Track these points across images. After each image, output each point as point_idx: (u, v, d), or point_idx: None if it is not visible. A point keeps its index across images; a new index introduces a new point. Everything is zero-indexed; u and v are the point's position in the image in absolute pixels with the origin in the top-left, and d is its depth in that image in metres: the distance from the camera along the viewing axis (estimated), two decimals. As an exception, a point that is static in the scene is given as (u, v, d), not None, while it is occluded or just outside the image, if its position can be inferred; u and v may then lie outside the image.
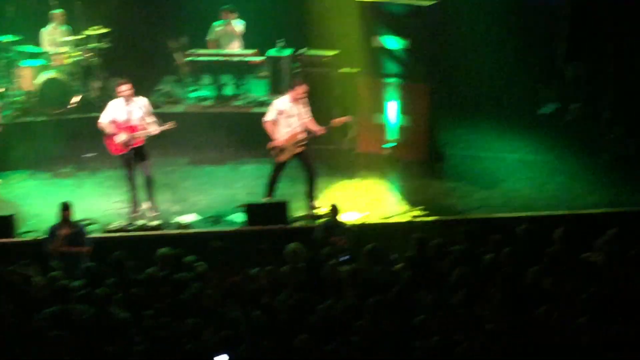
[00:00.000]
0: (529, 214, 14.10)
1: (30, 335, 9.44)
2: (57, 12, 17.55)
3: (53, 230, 12.64)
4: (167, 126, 14.06)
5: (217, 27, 18.20)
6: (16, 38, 17.28)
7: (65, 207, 12.68)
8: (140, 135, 13.98)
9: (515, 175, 15.91)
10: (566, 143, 17.12)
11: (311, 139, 14.42)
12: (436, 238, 11.32)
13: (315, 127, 14.32)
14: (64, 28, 17.67)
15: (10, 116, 16.93)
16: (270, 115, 14.33)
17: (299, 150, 14.33)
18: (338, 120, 14.53)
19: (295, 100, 14.23)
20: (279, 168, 14.47)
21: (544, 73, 18.83)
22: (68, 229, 12.54)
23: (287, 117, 14.24)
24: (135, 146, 13.98)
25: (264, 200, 14.44)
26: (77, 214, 13.32)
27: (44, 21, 17.65)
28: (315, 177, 14.51)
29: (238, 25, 18.17)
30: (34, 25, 17.63)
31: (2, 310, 9.97)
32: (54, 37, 17.59)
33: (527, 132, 17.61)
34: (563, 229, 11.19)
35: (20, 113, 17.18)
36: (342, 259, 11.30)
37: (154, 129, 14.04)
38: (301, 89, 14.23)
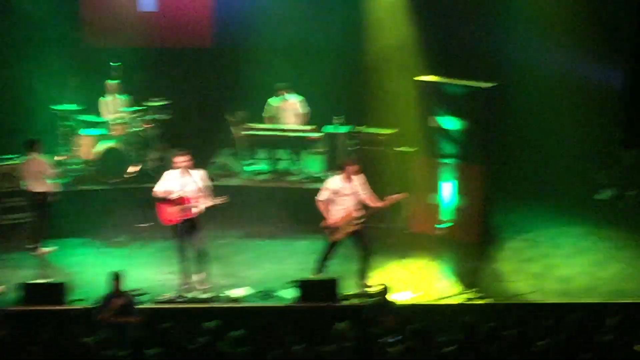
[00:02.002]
0: (582, 301, 13.90)
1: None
2: (113, 82, 17.80)
3: (103, 300, 12.62)
4: (220, 200, 14.08)
5: (273, 103, 18.32)
6: (77, 107, 17.52)
7: (116, 277, 12.66)
8: (192, 207, 14.02)
9: (569, 261, 15.69)
10: (622, 230, 16.90)
11: (366, 217, 14.38)
12: (487, 322, 11.16)
13: (373, 203, 14.28)
14: (123, 98, 17.91)
15: (67, 184, 17.12)
16: (323, 195, 14.33)
17: (353, 229, 14.29)
18: (394, 197, 14.47)
19: (348, 179, 14.22)
20: (331, 246, 14.42)
21: (601, 158, 18.68)
22: (118, 298, 12.52)
23: (341, 196, 14.23)
24: (188, 218, 14.02)
25: (314, 276, 14.38)
26: (129, 284, 13.34)
27: (104, 91, 17.89)
28: (368, 255, 14.43)
29: (294, 100, 18.26)
30: (95, 95, 17.88)
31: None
32: (113, 107, 17.84)
33: (582, 217, 17.42)
34: (617, 317, 10.99)
35: (77, 181, 17.36)
36: (392, 339, 11.15)
37: (207, 202, 14.07)
38: (352, 169, 14.22)
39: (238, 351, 10.65)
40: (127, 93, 17.99)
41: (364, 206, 14.33)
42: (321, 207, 14.31)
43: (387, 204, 14.41)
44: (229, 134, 18.29)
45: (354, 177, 14.26)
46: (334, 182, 14.35)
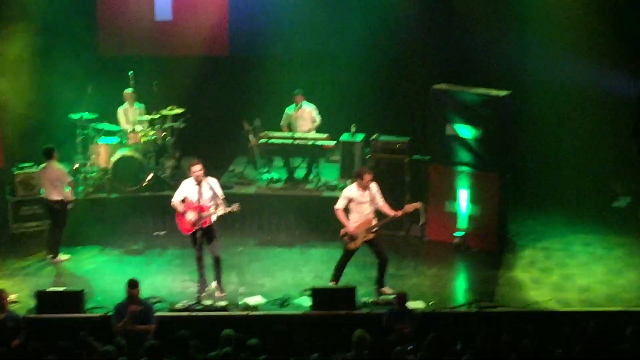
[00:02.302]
0: (600, 309, 13.87)
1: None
2: (128, 91, 17.87)
3: (120, 308, 12.59)
4: (233, 208, 14.09)
5: (290, 111, 18.33)
6: (93, 115, 17.58)
7: (133, 285, 12.60)
8: (209, 215, 14.05)
9: (586, 269, 15.64)
10: (639, 238, 16.85)
11: (383, 225, 14.39)
12: (503, 330, 11.13)
13: (390, 211, 14.28)
14: (139, 106, 17.97)
15: (84, 192, 17.18)
16: (340, 203, 14.34)
17: (370, 237, 14.29)
18: (411, 206, 14.47)
19: (364, 187, 14.23)
20: (348, 254, 14.43)
21: (617, 166, 18.62)
22: (135, 306, 12.51)
23: (358, 204, 14.25)
24: (204, 226, 14.05)
25: (331, 285, 14.39)
26: (145, 291, 13.39)
27: (121, 100, 17.95)
28: (385, 263, 14.44)
29: (308, 107, 18.28)
30: (112, 103, 17.94)
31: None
32: (130, 116, 17.90)
33: (599, 225, 17.36)
34: (635, 326, 10.95)
35: (93, 189, 17.42)
36: (409, 347, 11.13)
37: (222, 210, 14.09)
38: (368, 177, 14.23)
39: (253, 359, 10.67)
40: (143, 102, 18.04)
41: (380, 214, 14.34)
42: (339, 215, 14.32)
43: (403, 213, 14.41)
44: (245, 142, 18.33)
45: (370, 185, 14.27)
46: (351, 190, 14.36)
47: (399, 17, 18.61)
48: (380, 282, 14.44)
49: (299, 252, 16.39)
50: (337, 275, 14.46)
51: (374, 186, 14.34)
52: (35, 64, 17.93)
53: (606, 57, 18.12)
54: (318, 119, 18.20)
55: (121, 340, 11.21)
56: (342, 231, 14.26)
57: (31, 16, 17.91)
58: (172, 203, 14.23)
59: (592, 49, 18.13)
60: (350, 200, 14.26)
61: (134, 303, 12.51)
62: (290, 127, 18.24)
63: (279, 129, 18.19)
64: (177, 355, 10.76)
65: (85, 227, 16.55)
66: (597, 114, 18.39)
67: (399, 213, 14.29)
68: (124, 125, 17.81)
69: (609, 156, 18.62)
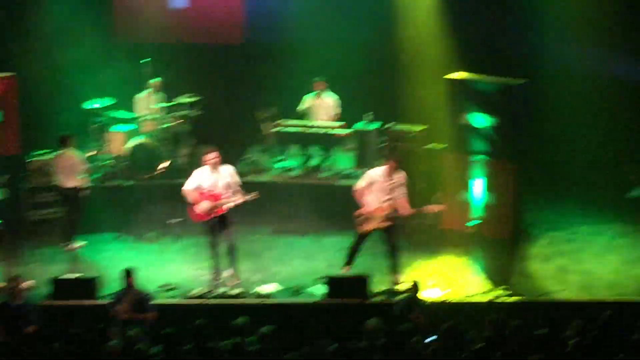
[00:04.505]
0: (614, 299, 13.83)
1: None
2: (156, 80, 17.86)
3: (117, 296, 12.72)
4: (250, 197, 14.11)
5: (309, 98, 18.32)
6: (108, 103, 17.60)
7: (129, 274, 12.76)
8: (223, 204, 14.06)
9: (601, 258, 15.60)
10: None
11: (397, 216, 14.38)
12: (516, 320, 11.11)
13: (405, 208, 14.25)
14: (158, 96, 17.98)
15: (98, 179, 17.21)
16: (361, 183, 14.33)
17: (384, 224, 14.27)
18: (430, 208, 14.47)
19: (389, 173, 14.19)
20: (361, 238, 14.42)
21: (633, 155, 18.54)
22: (132, 295, 12.59)
23: (378, 188, 14.22)
24: (218, 214, 14.06)
25: (343, 270, 14.38)
26: (160, 279, 13.44)
27: (135, 87, 17.97)
28: (397, 252, 14.43)
29: (329, 97, 18.26)
30: (125, 91, 17.95)
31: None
32: (148, 104, 17.90)
33: (615, 214, 17.29)
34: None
35: (108, 177, 17.45)
36: (428, 340, 11.04)
37: (238, 199, 14.10)
38: (396, 164, 14.19)
39: (267, 348, 10.68)
40: (161, 91, 18.07)
41: (396, 206, 14.30)
42: (358, 195, 14.30)
43: (419, 212, 14.42)
44: (260, 130, 18.32)
45: (396, 174, 14.22)
46: (375, 172, 14.33)
47: (415, 5, 18.55)
48: (392, 271, 14.43)
49: (313, 240, 16.40)
50: (350, 259, 14.47)
51: (401, 176, 14.28)
52: (49, 51, 17.95)
53: (622, 44, 18.05)
54: (338, 111, 18.16)
55: (136, 329, 11.27)
56: (357, 212, 14.24)
57: (46, 2, 17.94)
58: (184, 191, 14.25)
59: (608, 36, 18.06)
60: (370, 182, 14.23)
61: (130, 292, 12.61)
62: (308, 115, 18.18)
63: (294, 117, 18.18)
64: (193, 343, 10.79)
65: (101, 214, 16.59)
66: (613, 102, 18.31)
67: (413, 212, 14.28)
68: (141, 111, 17.81)
69: (624, 145, 18.54)
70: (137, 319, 12.40)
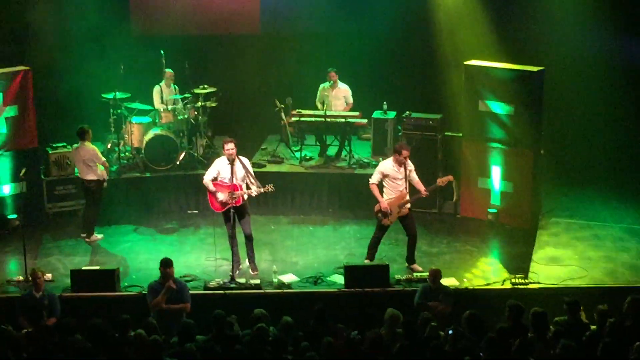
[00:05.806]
0: (635, 285, 13.78)
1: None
2: (168, 71, 17.90)
3: (154, 287, 12.66)
4: (266, 189, 14.08)
5: (324, 88, 18.31)
6: (126, 95, 17.63)
7: (167, 264, 12.66)
8: (241, 195, 14.06)
9: (620, 245, 15.54)
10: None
11: (416, 201, 14.37)
12: (536, 307, 11.08)
13: (422, 188, 14.26)
14: (173, 87, 18.00)
15: (117, 171, 17.25)
16: (375, 177, 14.33)
17: (403, 212, 14.27)
18: (442, 180, 14.44)
19: (400, 163, 14.20)
20: (381, 230, 14.43)
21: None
22: (170, 285, 12.57)
23: (392, 179, 14.23)
24: (237, 204, 14.07)
25: (366, 262, 14.39)
26: (179, 270, 13.46)
27: (154, 79, 17.99)
28: (414, 240, 14.43)
29: (345, 89, 18.26)
30: (143, 83, 17.97)
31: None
32: (164, 95, 17.91)
33: (634, 201, 17.22)
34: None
35: (127, 168, 17.49)
36: (449, 332, 10.99)
37: (254, 190, 14.10)
38: (406, 153, 14.19)
39: (287, 336, 10.69)
40: (175, 82, 18.07)
41: (413, 190, 14.31)
42: (373, 190, 14.31)
43: (435, 188, 14.41)
44: (277, 120, 18.33)
45: (406, 162, 14.22)
46: (386, 165, 14.33)
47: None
48: (410, 259, 14.44)
49: (332, 230, 16.40)
50: (371, 253, 14.47)
51: (409, 163, 14.29)
52: (68, 44, 17.97)
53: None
54: (351, 100, 18.18)
55: (152, 320, 11.28)
56: (376, 207, 14.25)
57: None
58: (204, 181, 14.27)
59: (627, 23, 17.98)
60: (384, 176, 14.24)
61: (168, 282, 12.53)
62: (324, 105, 18.17)
63: (311, 107, 18.18)
64: (212, 334, 10.82)
65: (119, 206, 16.65)
66: (632, 89, 18.22)
67: (430, 190, 14.28)
68: (158, 104, 17.84)
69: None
70: (174, 310, 12.42)
